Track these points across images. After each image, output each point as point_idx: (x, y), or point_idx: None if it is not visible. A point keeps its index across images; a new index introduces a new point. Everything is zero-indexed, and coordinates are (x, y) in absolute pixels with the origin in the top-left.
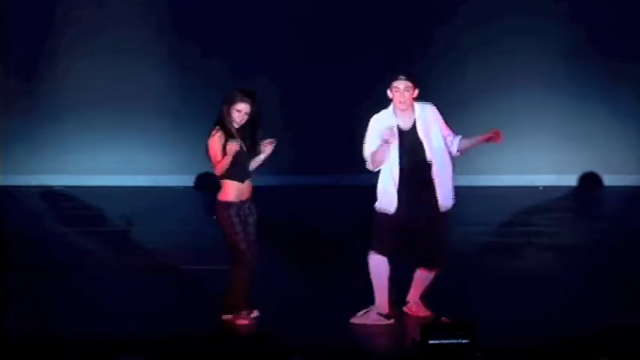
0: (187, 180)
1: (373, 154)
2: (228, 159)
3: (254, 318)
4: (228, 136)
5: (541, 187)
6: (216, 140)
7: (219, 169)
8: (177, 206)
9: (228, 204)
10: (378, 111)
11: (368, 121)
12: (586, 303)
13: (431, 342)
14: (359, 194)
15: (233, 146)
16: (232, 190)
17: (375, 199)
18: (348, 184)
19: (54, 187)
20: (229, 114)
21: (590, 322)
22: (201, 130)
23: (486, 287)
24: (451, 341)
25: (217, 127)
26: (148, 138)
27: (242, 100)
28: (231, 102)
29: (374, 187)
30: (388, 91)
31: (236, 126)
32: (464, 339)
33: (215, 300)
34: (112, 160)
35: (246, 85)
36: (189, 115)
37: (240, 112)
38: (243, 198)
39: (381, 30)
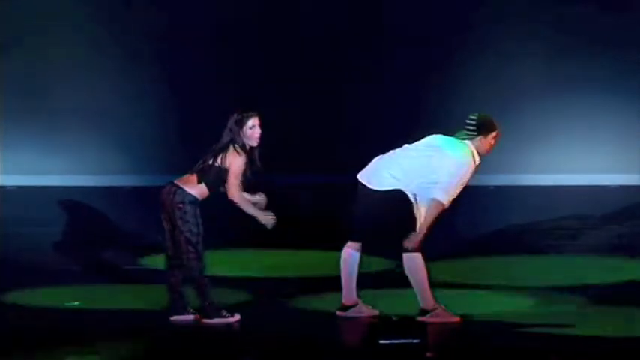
0: None
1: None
2: (252, 212)
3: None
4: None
5: (491, 187)
6: (242, 164)
7: (234, 198)
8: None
9: (197, 202)
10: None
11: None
12: None
13: (381, 341)
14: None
15: (268, 219)
16: (204, 193)
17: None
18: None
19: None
20: (243, 135)
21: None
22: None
23: None
24: (401, 340)
25: (240, 150)
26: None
27: (251, 116)
28: (241, 122)
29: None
30: (480, 137)
31: (254, 144)
32: (414, 338)
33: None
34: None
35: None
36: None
37: (254, 127)
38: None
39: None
